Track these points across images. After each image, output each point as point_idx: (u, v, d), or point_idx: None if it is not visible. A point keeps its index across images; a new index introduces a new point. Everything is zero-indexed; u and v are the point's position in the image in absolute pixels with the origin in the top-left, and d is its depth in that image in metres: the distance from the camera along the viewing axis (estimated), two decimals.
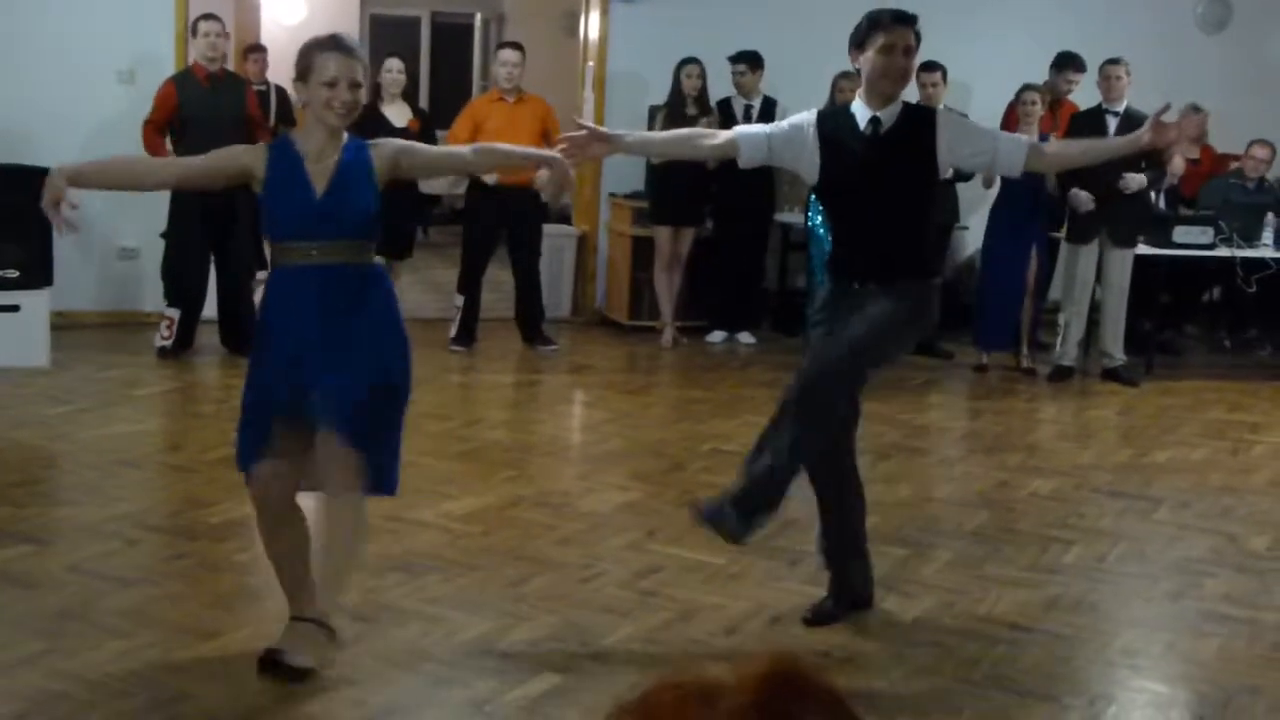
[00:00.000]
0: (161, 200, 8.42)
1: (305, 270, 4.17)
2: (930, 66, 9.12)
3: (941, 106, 4.82)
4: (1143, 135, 4.81)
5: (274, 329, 4.22)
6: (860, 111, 4.70)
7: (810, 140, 4.69)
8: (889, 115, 4.67)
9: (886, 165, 4.64)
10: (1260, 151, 10.17)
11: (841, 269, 4.80)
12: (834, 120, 4.77)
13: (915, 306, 4.75)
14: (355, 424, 4.14)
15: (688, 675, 1.24)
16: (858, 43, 4.68)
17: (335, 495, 4.26)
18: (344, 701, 4.09)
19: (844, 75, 9.33)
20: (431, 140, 8.87)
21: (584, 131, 4.77)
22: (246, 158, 4.22)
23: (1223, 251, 9.44)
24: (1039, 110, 9.00)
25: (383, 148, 4.31)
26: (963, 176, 9.41)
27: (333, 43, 4.15)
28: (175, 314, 8.55)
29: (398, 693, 4.18)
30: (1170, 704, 4.48)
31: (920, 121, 4.73)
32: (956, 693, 4.38)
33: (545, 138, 9.10)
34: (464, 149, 5.00)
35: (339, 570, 4.34)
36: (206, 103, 8.28)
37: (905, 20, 4.68)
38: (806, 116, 4.76)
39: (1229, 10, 11.47)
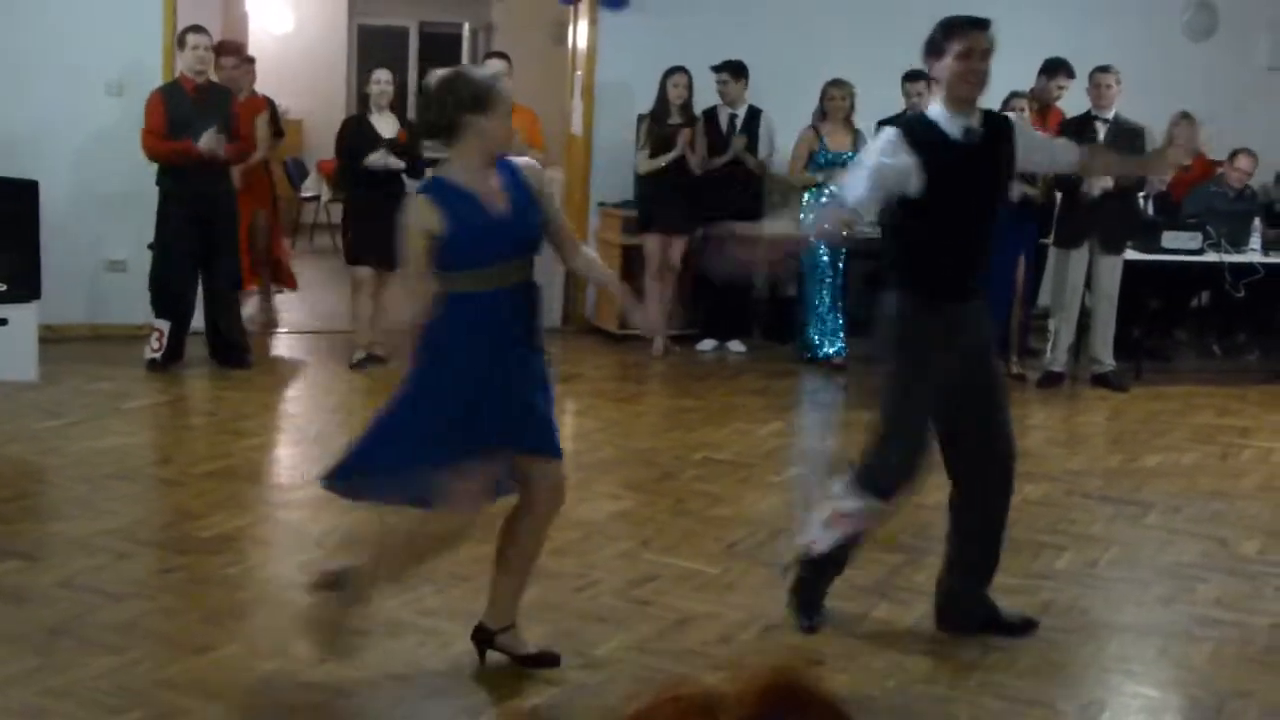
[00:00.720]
0: (149, 212, 8.42)
1: (499, 294, 4.19)
2: (914, 76, 9.17)
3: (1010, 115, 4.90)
4: (1171, 161, 4.94)
5: (469, 352, 4.19)
6: (945, 120, 4.67)
7: (908, 159, 4.58)
8: (978, 122, 4.70)
9: (985, 173, 4.69)
10: (1243, 162, 10.20)
11: (944, 285, 4.70)
12: (922, 132, 4.68)
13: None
14: (557, 442, 4.38)
15: (687, 687, 1.24)
16: (934, 50, 4.67)
17: (547, 512, 4.47)
18: (341, 713, 4.09)
19: (834, 83, 9.37)
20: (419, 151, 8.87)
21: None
22: (423, 230, 4.13)
23: (1211, 257, 9.47)
24: (1027, 116, 9.02)
25: (531, 170, 4.36)
26: None
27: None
28: (164, 326, 8.52)
29: (393, 704, 4.18)
30: (1163, 709, 4.50)
31: (1001, 128, 4.80)
32: (951, 700, 4.39)
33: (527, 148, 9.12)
34: (575, 240, 4.70)
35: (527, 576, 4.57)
36: (194, 114, 8.27)
37: (980, 24, 4.67)
38: (893, 137, 4.65)
39: (1215, 18, 11.51)
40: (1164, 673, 4.79)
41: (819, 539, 4.88)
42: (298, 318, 10.52)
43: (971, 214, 4.68)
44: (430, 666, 4.43)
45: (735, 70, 9.62)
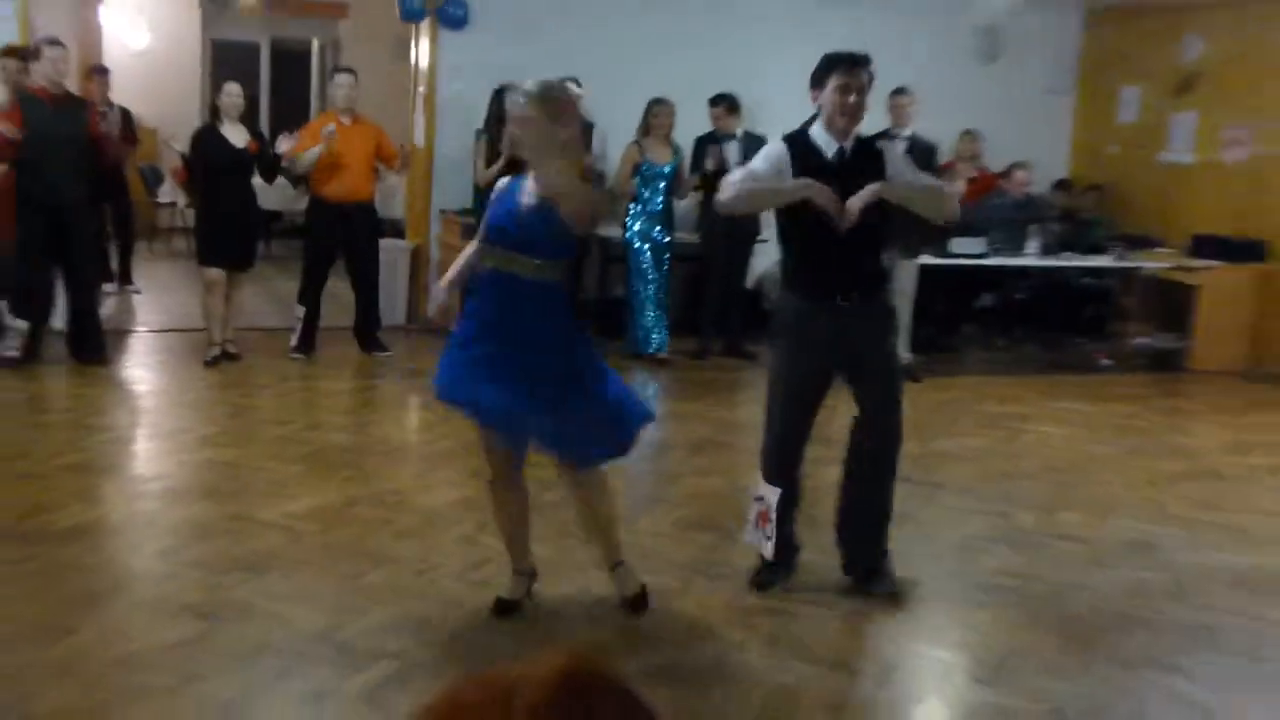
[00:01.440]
0: (6, 213, 8.11)
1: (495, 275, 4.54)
2: (716, 101, 9.34)
3: (877, 140, 5.00)
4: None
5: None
6: (823, 141, 4.88)
7: (787, 167, 4.85)
8: (850, 145, 4.88)
9: (850, 191, 4.77)
10: (1020, 175, 10.51)
11: (818, 284, 4.93)
12: (801, 149, 4.90)
13: (890, 319, 5.13)
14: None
15: (487, 674, 1.23)
16: (816, 81, 4.86)
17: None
18: (190, 696, 3.98)
19: (657, 102, 9.42)
20: (270, 159, 8.69)
21: None
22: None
23: (993, 261, 9.73)
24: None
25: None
26: None
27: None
28: (23, 325, 8.24)
29: (242, 686, 4.08)
30: (951, 668, 4.59)
31: (872, 153, 4.92)
32: (759, 667, 4.43)
33: (380, 158, 9.00)
34: None
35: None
36: (50, 124, 7.99)
37: (858, 62, 4.83)
38: (777, 146, 4.93)
39: (1001, 44, 11.83)
40: (952, 635, 4.90)
41: (761, 542, 5.14)
42: (155, 317, 10.24)
43: (835, 225, 4.79)
44: (278, 647, 4.34)
45: (574, 86, 9.60)
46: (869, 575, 5.15)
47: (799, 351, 4.96)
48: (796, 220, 4.87)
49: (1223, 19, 10.98)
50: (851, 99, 4.79)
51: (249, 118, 8.84)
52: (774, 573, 5.18)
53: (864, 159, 4.89)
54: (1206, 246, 10.60)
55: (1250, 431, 8.49)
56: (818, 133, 4.91)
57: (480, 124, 9.51)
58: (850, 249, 4.83)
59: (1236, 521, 6.43)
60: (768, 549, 5.10)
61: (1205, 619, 5.11)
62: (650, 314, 9.48)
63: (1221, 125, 10.95)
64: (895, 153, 5.11)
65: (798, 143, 4.94)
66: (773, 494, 5.06)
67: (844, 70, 4.77)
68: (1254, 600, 5.36)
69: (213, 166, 8.43)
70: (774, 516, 5.06)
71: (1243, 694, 4.47)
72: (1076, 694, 4.38)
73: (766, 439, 5.10)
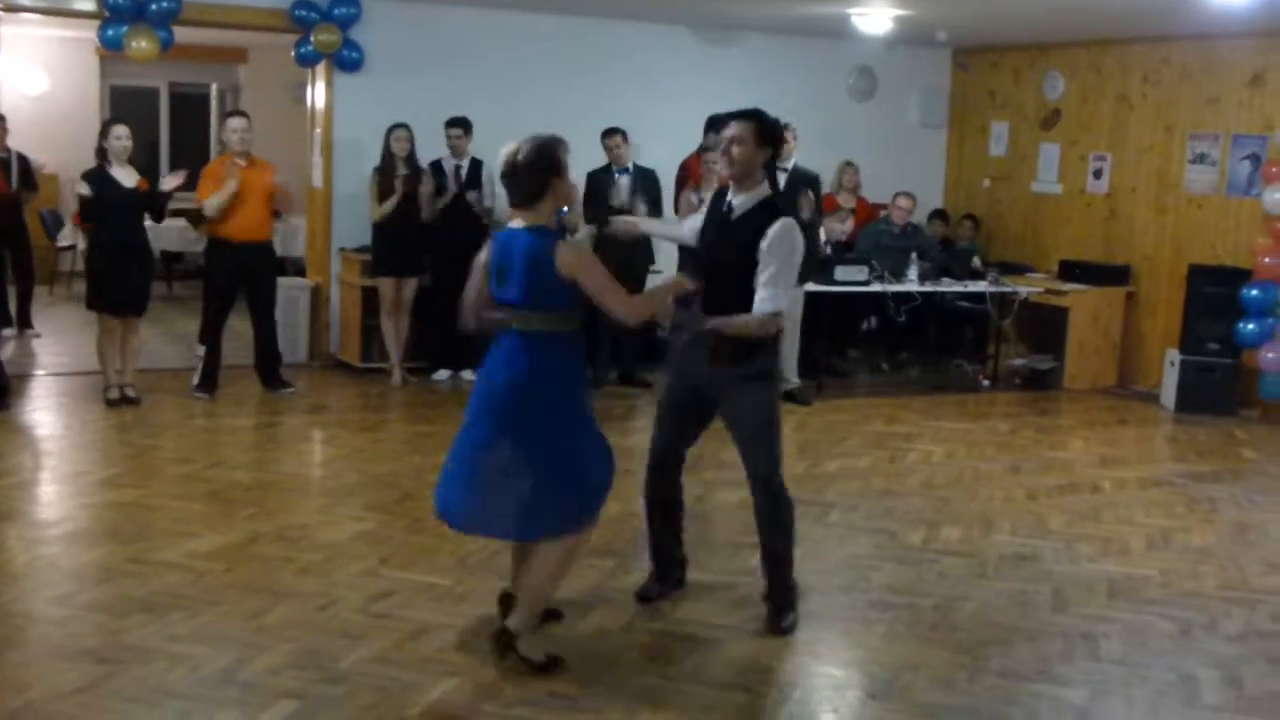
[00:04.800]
0: None
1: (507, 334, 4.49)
2: (610, 133, 9.35)
3: (784, 220, 4.78)
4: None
5: None
6: (731, 193, 4.90)
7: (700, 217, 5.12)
8: (741, 204, 4.84)
9: (722, 244, 4.83)
10: (903, 202, 10.62)
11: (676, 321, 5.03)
12: (719, 197, 5.00)
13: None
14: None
15: None
16: (706, 137, 5.01)
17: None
18: None
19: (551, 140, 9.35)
20: (158, 199, 8.46)
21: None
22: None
23: (876, 287, 9.80)
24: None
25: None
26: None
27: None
28: None
29: None
30: (846, 685, 4.57)
31: (764, 218, 4.75)
32: (661, 689, 4.37)
33: (272, 199, 8.82)
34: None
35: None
36: None
37: (724, 122, 4.90)
38: (693, 199, 5.14)
39: (875, 82, 11.96)
40: (846, 653, 4.88)
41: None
42: (55, 360, 9.93)
43: (706, 269, 4.87)
44: (179, 690, 4.18)
45: (466, 126, 9.54)
46: (770, 609, 5.08)
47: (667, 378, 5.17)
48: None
49: (1082, 58, 11.21)
50: (723, 151, 4.91)
51: (139, 160, 8.60)
52: (651, 586, 5.20)
53: (753, 220, 4.79)
54: (1074, 271, 10.78)
55: (1121, 446, 8.62)
56: (731, 187, 4.96)
57: (376, 162, 9.38)
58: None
59: (1112, 532, 6.51)
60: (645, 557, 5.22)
61: (1084, 628, 5.15)
62: None
63: (1084, 156, 11.16)
64: (782, 231, 4.78)
65: (720, 191, 5.07)
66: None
67: (717, 128, 4.93)
68: (1129, 608, 5.41)
69: (103, 208, 8.18)
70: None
71: (1121, 699, 4.50)
72: (965, 707, 4.38)
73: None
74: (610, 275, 4.39)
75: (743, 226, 4.78)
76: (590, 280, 4.32)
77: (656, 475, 5.16)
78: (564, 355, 4.40)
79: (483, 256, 4.55)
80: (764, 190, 4.86)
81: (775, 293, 4.71)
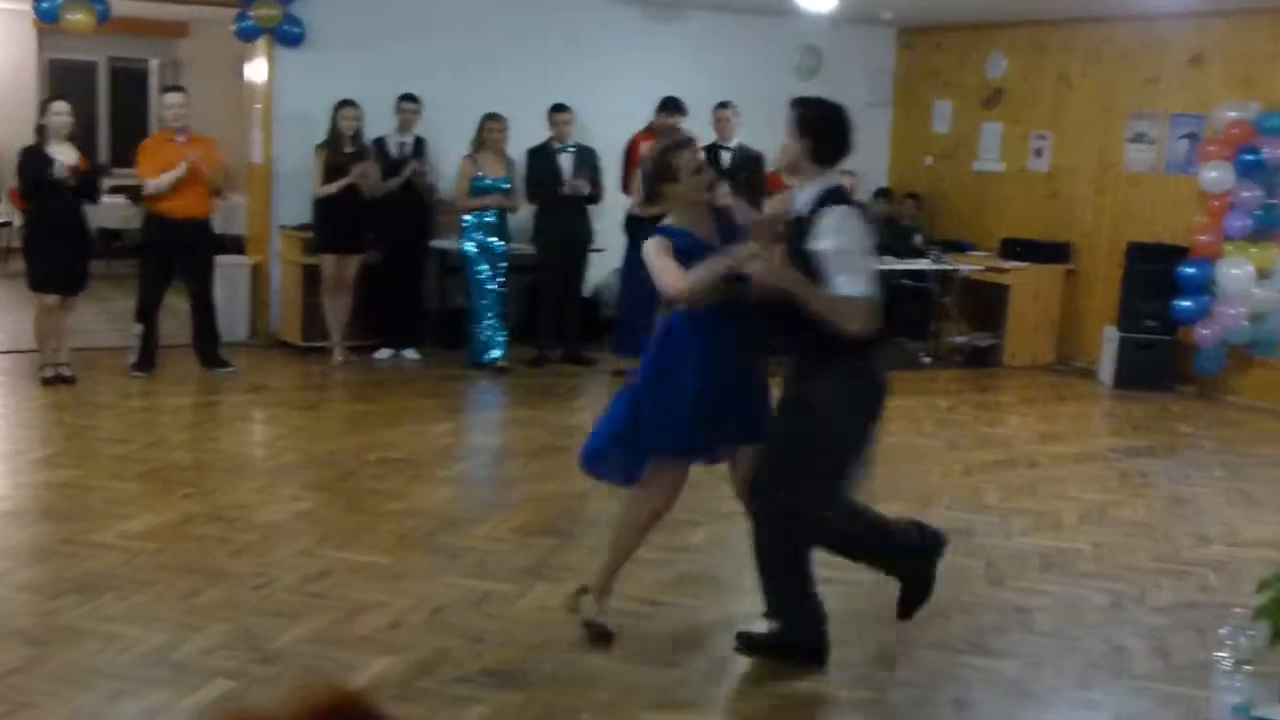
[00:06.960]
0: None
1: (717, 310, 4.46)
2: (559, 109, 9.32)
3: (834, 207, 4.41)
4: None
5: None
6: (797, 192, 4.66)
7: None
8: (802, 203, 4.47)
9: (791, 249, 4.35)
10: (849, 180, 10.62)
11: None
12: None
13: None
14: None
15: (247, 712, 1.14)
16: None
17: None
18: None
19: (491, 117, 9.32)
20: (96, 176, 8.35)
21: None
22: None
23: None
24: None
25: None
26: (594, 199, 9.54)
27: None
28: None
29: (74, 711, 3.89)
30: (780, 661, 4.59)
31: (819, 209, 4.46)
32: (598, 667, 4.38)
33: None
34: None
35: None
36: None
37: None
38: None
39: (820, 60, 11.98)
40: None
41: None
42: None
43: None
44: (112, 671, 4.14)
45: (419, 101, 9.50)
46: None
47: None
48: None
49: (1024, 37, 11.28)
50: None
51: (79, 137, 8.46)
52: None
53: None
54: (1016, 249, 10.87)
55: (1059, 422, 8.72)
56: None
57: (319, 139, 9.29)
58: None
59: (1046, 507, 6.58)
60: None
61: (1018, 601, 5.21)
62: (489, 323, 9.37)
63: (1026, 136, 11.24)
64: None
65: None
66: None
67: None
68: (1062, 581, 5.48)
69: (40, 187, 8.06)
70: None
71: (1052, 670, 4.56)
72: (901, 680, 4.43)
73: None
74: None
75: (802, 224, 4.35)
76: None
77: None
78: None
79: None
80: (822, 183, 4.48)
81: (850, 278, 4.18)
